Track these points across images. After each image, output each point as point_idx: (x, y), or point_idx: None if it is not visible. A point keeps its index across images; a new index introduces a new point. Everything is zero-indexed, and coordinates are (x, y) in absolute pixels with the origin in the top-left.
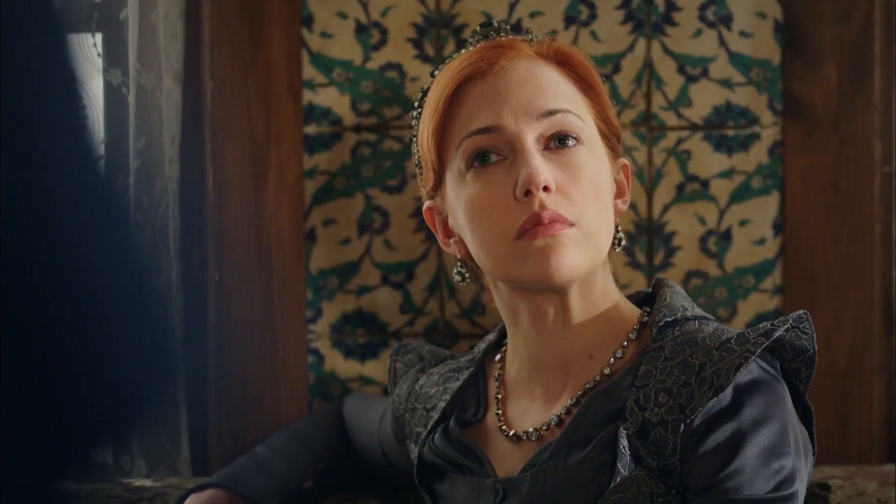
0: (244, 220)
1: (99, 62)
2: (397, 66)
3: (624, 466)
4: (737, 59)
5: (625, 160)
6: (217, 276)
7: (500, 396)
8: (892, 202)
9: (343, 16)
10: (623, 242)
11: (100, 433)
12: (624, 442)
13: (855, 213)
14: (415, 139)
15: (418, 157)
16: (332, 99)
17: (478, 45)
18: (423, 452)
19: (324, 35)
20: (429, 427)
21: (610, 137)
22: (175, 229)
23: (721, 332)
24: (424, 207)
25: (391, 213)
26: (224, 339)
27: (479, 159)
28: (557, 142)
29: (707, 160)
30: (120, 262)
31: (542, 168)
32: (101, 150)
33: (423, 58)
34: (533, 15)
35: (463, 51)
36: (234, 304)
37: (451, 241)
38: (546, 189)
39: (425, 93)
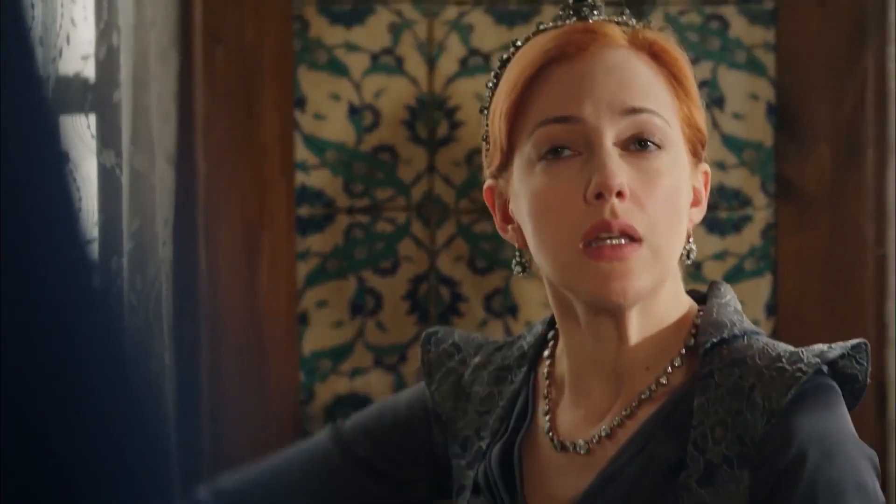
0: (237, 303)
1: (93, 143)
2: (390, 148)
3: None
4: (730, 141)
5: (706, 167)
6: (210, 359)
7: (550, 397)
8: (884, 285)
9: (336, 97)
10: (693, 255)
11: None
12: (685, 499)
13: (847, 295)
14: (486, 111)
15: (486, 131)
16: (324, 181)
17: (566, 26)
18: (478, 470)
19: (317, 117)
20: (488, 438)
21: (694, 143)
22: (168, 311)
23: (771, 347)
24: (486, 186)
25: (384, 296)
26: (218, 422)
27: (553, 152)
28: (638, 144)
29: (700, 242)
30: (113, 344)
31: (619, 171)
32: (95, 231)
33: (416, 140)
34: None
35: (550, 24)
36: (227, 386)
37: (510, 227)
38: (620, 195)
39: (504, 63)
